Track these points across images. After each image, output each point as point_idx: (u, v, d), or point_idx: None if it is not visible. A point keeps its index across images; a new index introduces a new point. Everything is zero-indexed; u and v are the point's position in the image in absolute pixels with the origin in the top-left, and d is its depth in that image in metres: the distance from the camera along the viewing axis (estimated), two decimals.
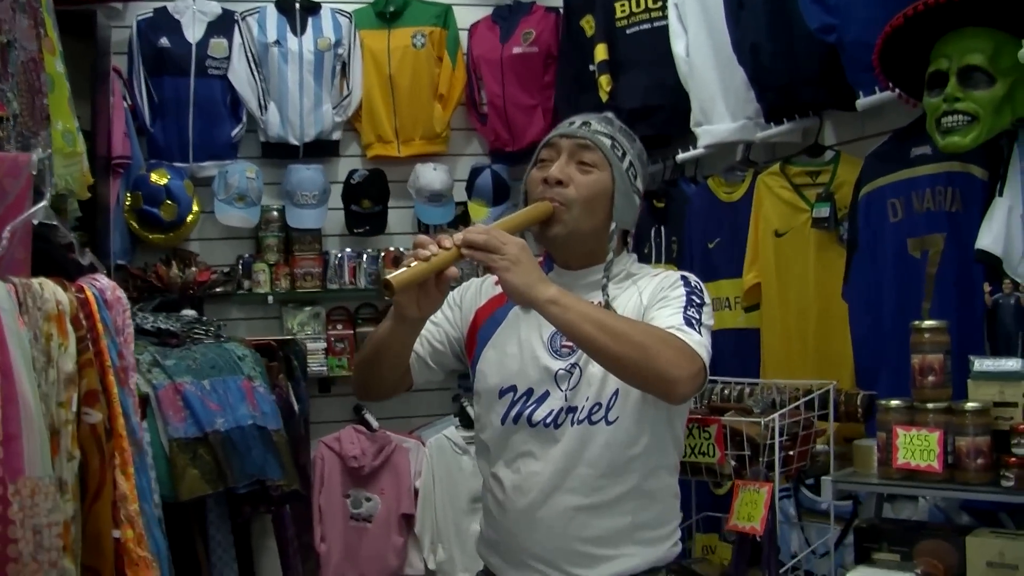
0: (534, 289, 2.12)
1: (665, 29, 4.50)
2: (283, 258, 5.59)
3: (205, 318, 4.71)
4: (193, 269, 5.38)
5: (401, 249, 5.62)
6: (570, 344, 2.34)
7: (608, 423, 2.31)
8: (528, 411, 2.36)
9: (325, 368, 5.55)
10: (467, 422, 5.49)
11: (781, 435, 2.86)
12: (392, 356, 2.39)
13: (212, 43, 5.44)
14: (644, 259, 4.80)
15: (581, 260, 2.44)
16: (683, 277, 2.37)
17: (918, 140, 3.22)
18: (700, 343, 2.20)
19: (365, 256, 5.58)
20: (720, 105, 4.18)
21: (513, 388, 2.40)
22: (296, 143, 5.54)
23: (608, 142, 2.42)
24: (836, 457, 3.04)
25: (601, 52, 4.85)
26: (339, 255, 5.60)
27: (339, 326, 5.71)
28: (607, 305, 2.36)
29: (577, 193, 2.36)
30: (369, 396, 2.55)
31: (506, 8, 5.72)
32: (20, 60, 4.04)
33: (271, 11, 5.55)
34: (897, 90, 3.14)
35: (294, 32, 5.51)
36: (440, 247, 2.11)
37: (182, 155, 5.44)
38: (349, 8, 5.71)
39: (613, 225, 2.39)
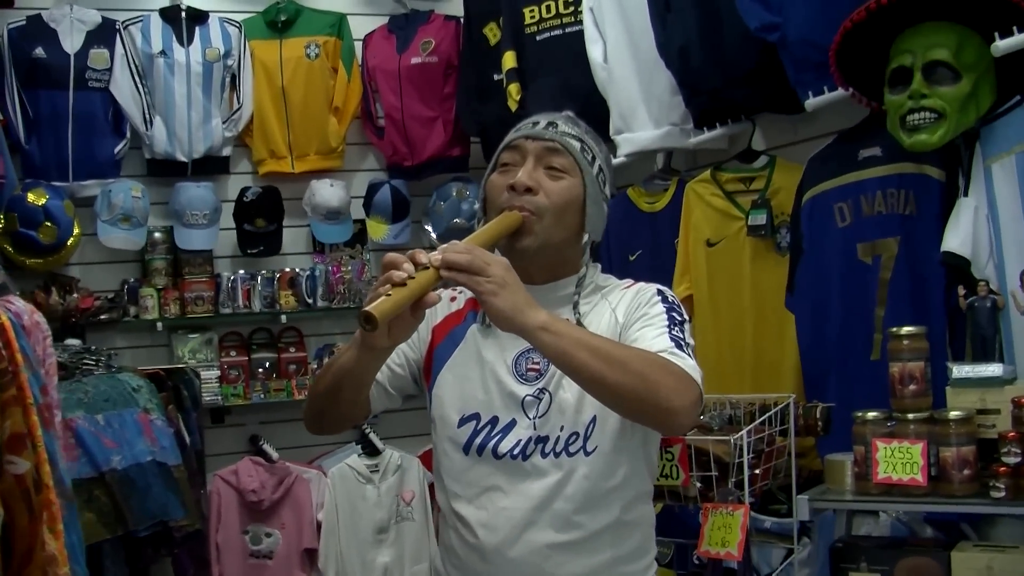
0: (523, 314, 1.93)
1: (577, 35, 4.36)
2: (172, 282, 5.27)
3: (93, 347, 4.38)
4: (75, 296, 5.03)
5: (297, 270, 5.36)
6: (537, 367, 2.17)
7: (587, 454, 2.13)
8: (492, 442, 2.17)
9: (219, 397, 5.21)
10: (370, 449, 5.27)
11: (748, 453, 2.72)
12: (354, 387, 2.17)
13: (92, 53, 5.10)
14: None
15: (546, 273, 2.24)
16: (659, 292, 2.20)
17: (866, 141, 3.13)
18: (694, 368, 2.04)
19: (260, 278, 5.29)
20: (642, 112, 4.04)
21: (475, 416, 2.21)
22: (184, 159, 5.23)
23: (578, 145, 2.24)
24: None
25: (509, 60, 4.69)
26: (232, 277, 5.30)
27: (233, 352, 5.41)
28: (578, 323, 2.18)
29: (549, 201, 2.16)
30: (323, 429, 2.31)
31: (403, 17, 5.50)
32: None
33: (155, 20, 5.24)
34: (851, 89, 3.02)
35: (180, 42, 5.21)
36: (415, 265, 1.90)
37: (61, 174, 5.07)
38: (238, 17, 5.42)
39: (586, 236, 2.22)
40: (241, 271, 5.33)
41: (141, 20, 5.23)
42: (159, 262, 5.25)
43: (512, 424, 2.16)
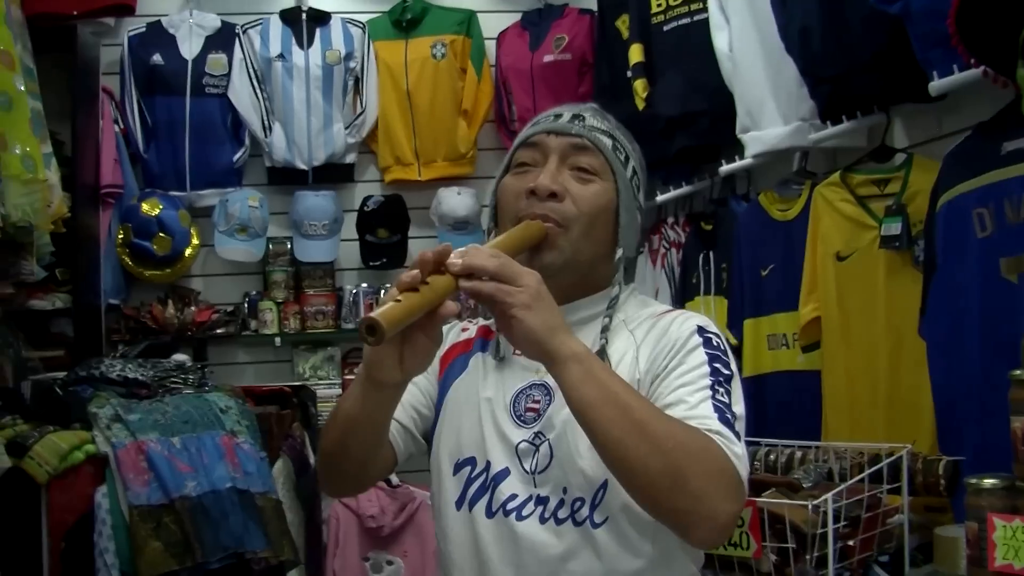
0: (556, 338, 1.56)
1: (707, 23, 3.87)
2: (292, 295, 5.04)
3: (191, 364, 4.14)
4: (192, 308, 4.86)
5: None
6: (536, 407, 1.78)
7: (595, 526, 1.69)
8: (487, 495, 1.77)
9: None
10: None
11: (837, 520, 2.21)
12: (367, 438, 1.78)
13: (210, 59, 4.93)
14: (692, 291, 4.17)
15: (564, 295, 1.81)
16: (700, 330, 1.73)
17: (1011, 132, 2.56)
18: (742, 459, 1.59)
19: (383, 292, 5.00)
20: (770, 106, 3.53)
21: (470, 461, 1.81)
22: (304, 167, 4.99)
23: (609, 142, 1.83)
24: (912, 529, 2.39)
25: (636, 53, 4.24)
26: (354, 291, 5.04)
27: (357, 370, 5.11)
28: (601, 353, 1.75)
29: (577, 209, 1.77)
30: (343, 490, 1.99)
31: (536, 13, 5.13)
32: None
33: (275, 22, 5.03)
34: (982, 65, 2.47)
35: (300, 45, 4.98)
36: (427, 273, 1.52)
37: (178, 182, 4.93)
38: (363, 17, 5.16)
39: (620, 251, 1.81)
40: (364, 284, 5.06)
41: (261, 23, 5.04)
42: (279, 274, 5.03)
43: (505, 473, 1.76)
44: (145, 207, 4.75)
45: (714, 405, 1.62)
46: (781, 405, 3.59)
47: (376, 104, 5.08)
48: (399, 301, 1.48)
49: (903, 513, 2.39)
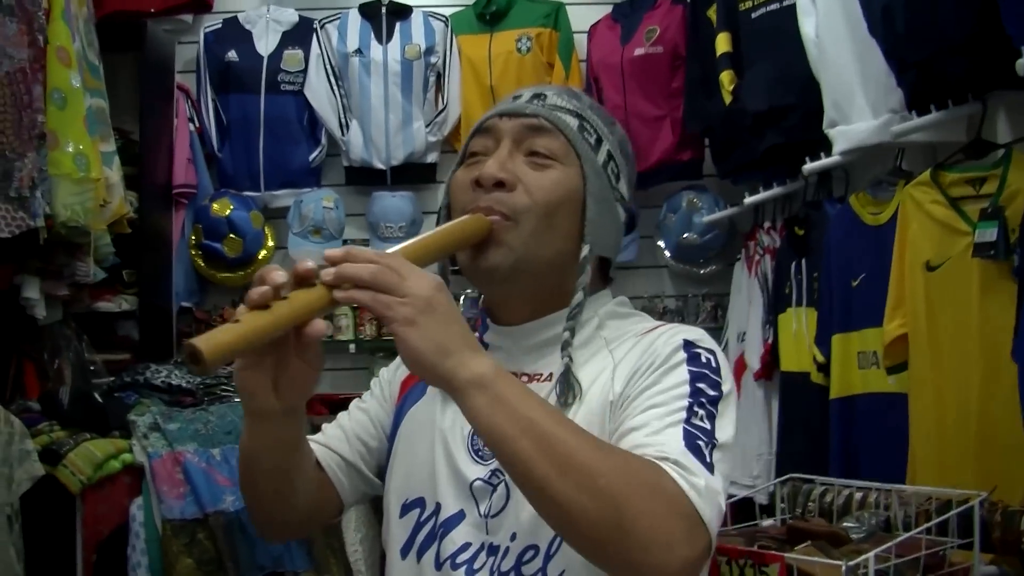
0: (448, 359, 1.28)
1: (795, 9, 3.54)
2: None
3: None
4: None
5: None
6: None
7: None
8: (435, 544, 1.50)
9: None
10: None
11: None
12: (275, 475, 1.54)
13: (286, 55, 4.76)
14: (784, 302, 3.82)
15: (530, 308, 1.56)
16: (687, 345, 1.45)
17: None
18: (710, 494, 1.29)
19: (464, 297, 4.75)
20: (859, 97, 3.18)
21: (419, 503, 1.55)
22: (382, 167, 4.78)
23: (574, 122, 1.56)
24: None
25: (723, 43, 3.94)
26: None
27: None
28: (565, 376, 1.47)
29: (530, 199, 1.50)
30: (276, 534, 1.68)
31: (627, 4, 4.81)
32: (4, 70, 3.40)
33: (354, 16, 4.83)
34: None
35: (379, 39, 4.77)
36: (297, 282, 1.28)
37: (252, 183, 4.77)
38: (446, 11, 4.93)
39: (586, 249, 1.51)
40: None
41: (339, 18, 4.84)
42: None
43: (459, 517, 1.49)
44: (216, 208, 4.60)
45: (685, 431, 1.34)
46: (872, 430, 3.24)
47: (459, 101, 4.84)
48: (236, 323, 1.23)
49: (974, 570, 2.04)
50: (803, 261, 3.76)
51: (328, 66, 4.76)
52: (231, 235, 4.60)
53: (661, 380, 1.41)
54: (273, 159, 4.75)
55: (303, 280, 1.30)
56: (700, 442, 1.33)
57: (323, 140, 4.82)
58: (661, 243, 4.80)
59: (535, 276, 1.52)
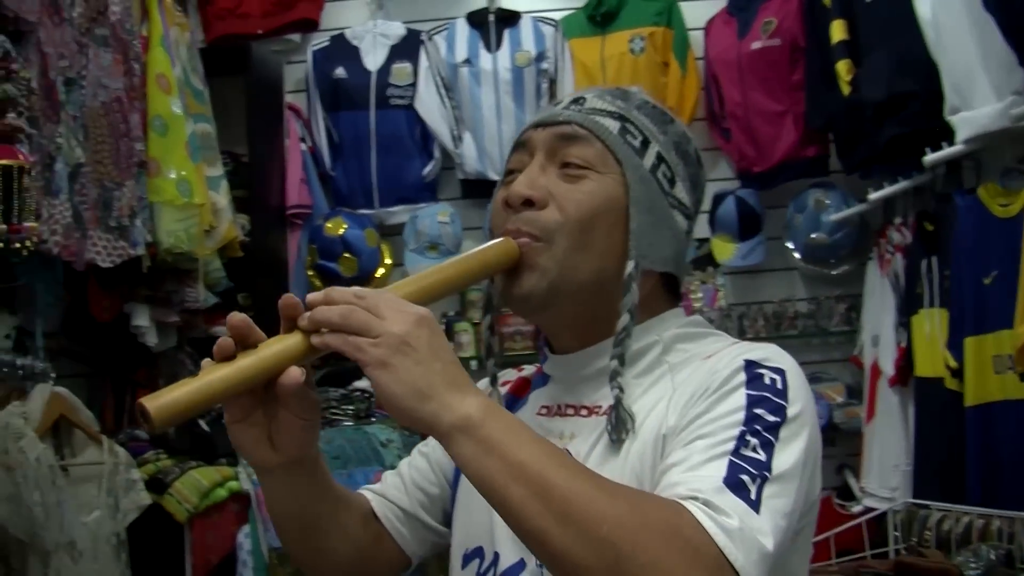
0: (429, 402, 1.17)
1: None
2: None
3: (357, 393, 3.88)
4: None
5: None
6: None
7: None
8: None
9: None
10: None
11: None
12: (296, 529, 1.47)
13: (394, 69, 4.69)
14: (916, 302, 3.58)
15: (580, 334, 1.43)
16: (748, 365, 1.28)
17: None
18: (746, 537, 1.13)
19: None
20: (981, 80, 2.95)
21: (479, 552, 1.43)
22: (497, 178, 4.64)
23: (614, 125, 1.42)
24: None
25: (838, 31, 3.73)
26: None
27: None
28: (615, 410, 1.33)
29: (562, 216, 1.37)
30: None
31: None
32: (99, 100, 3.40)
33: (461, 26, 4.74)
34: None
35: (488, 48, 4.66)
36: (287, 324, 1.22)
37: (367, 200, 4.71)
38: (556, 15, 4.79)
39: (630, 265, 1.36)
40: None
41: (446, 28, 4.75)
42: (475, 294, 4.72)
43: (519, 567, 1.37)
44: (329, 227, 4.55)
45: (730, 463, 1.18)
46: (1012, 441, 2.99)
47: None
48: (196, 378, 1.15)
49: None
50: (934, 259, 3.53)
51: (437, 78, 4.67)
52: (346, 254, 4.54)
53: (714, 407, 1.25)
54: (386, 175, 4.68)
55: (291, 323, 1.21)
56: (746, 476, 1.17)
57: (436, 154, 4.73)
58: (789, 244, 4.57)
59: (576, 300, 1.38)
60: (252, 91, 4.38)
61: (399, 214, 4.71)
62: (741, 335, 4.51)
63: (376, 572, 1.57)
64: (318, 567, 1.52)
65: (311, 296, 1.21)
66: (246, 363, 1.17)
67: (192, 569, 3.33)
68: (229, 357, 1.18)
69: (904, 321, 3.70)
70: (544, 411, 1.46)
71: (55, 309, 3.48)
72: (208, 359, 1.19)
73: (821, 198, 4.42)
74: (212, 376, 1.16)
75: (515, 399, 1.54)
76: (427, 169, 4.72)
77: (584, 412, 1.41)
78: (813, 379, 4.53)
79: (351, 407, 3.74)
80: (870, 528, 2.92)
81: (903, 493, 3.61)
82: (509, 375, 1.61)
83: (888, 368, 3.80)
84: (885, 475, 3.81)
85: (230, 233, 3.99)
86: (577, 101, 1.46)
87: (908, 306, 3.68)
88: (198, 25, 4.68)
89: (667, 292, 1.46)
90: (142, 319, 3.68)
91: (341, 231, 4.54)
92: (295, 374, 1.18)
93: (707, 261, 4.70)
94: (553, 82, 4.70)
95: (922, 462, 3.50)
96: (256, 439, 1.28)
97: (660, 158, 1.42)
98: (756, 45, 4.44)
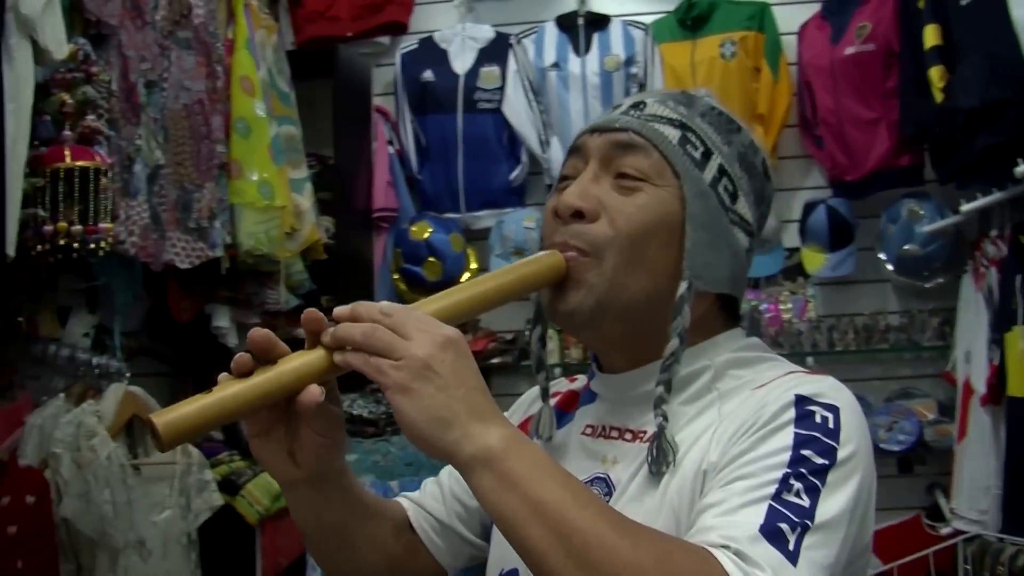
0: (450, 431, 1.13)
1: None
2: None
3: None
4: (468, 337, 4.60)
5: None
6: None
7: None
8: None
9: None
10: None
11: None
12: (323, 541, 1.44)
13: (482, 72, 4.66)
14: (1010, 320, 3.45)
15: (629, 354, 1.38)
16: (799, 401, 1.21)
17: None
18: None
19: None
20: None
21: (514, 574, 1.39)
22: None
23: (674, 134, 1.35)
24: None
25: (931, 36, 3.60)
26: None
27: None
28: (657, 440, 1.27)
29: (612, 230, 1.31)
30: None
31: (836, 1, 4.47)
32: (181, 103, 3.43)
33: (550, 30, 4.69)
34: None
35: (576, 52, 4.61)
36: (312, 339, 1.19)
37: (453, 204, 4.69)
38: (647, 19, 4.72)
39: (683, 286, 1.31)
40: None
41: (535, 32, 4.71)
42: None
43: None
44: (414, 231, 4.55)
45: (770, 509, 1.11)
46: None
47: None
48: (208, 394, 1.13)
49: None
50: None
51: (526, 82, 4.63)
52: (430, 258, 4.53)
53: (758, 446, 1.18)
54: (473, 179, 4.66)
55: (315, 338, 1.18)
56: (785, 525, 1.11)
57: (523, 158, 4.70)
58: (882, 255, 4.44)
59: (625, 319, 1.33)
60: (339, 94, 4.41)
61: (485, 219, 4.69)
62: (831, 348, 4.40)
63: None
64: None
65: (337, 310, 1.19)
66: (261, 380, 1.15)
67: (262, 571, 3.36)
68: (247, 373, 1.16)
69: (997, 338, 3.56)
70: (589, 431, 1.41)
71: (134, 309, 3.53)
72: (225, 373, 1.17)
73: (915, 208, 4.29)
74: (225, 392, 1.14)
75: (562, 414, 1.49)
76: (514, 173, 4.68)
77: (628, 436, 1.35)
78: (904, 395, 4.41)
79: None
80: (944, 556, 2.82)
81: (994, 517, 3.48)
82: (560, 385, 1.56)
83: (980, 386, 3.66)
84: (975, 497, 3.67)
85: (312, 235, 4.01)
86: (637, 106, 1.40)
87: (1001, 322, 3.55)
88: (288, 28, 4.71)
89: (724, 313, 1.40)
90: (223, 320, 3.72)
91: (426, 235, 4.53)
92: (313, 393, 1.15)
93: (797, 271, 4.59)
94: (642, 86, 4.62)
95: (1011, 487, 3.36)
96: (277, 454, 1.26)
97: (722, 171, 1.36)
98: (849, 50, 4.31)
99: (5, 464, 2.60)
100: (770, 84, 4.52)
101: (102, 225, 2.78)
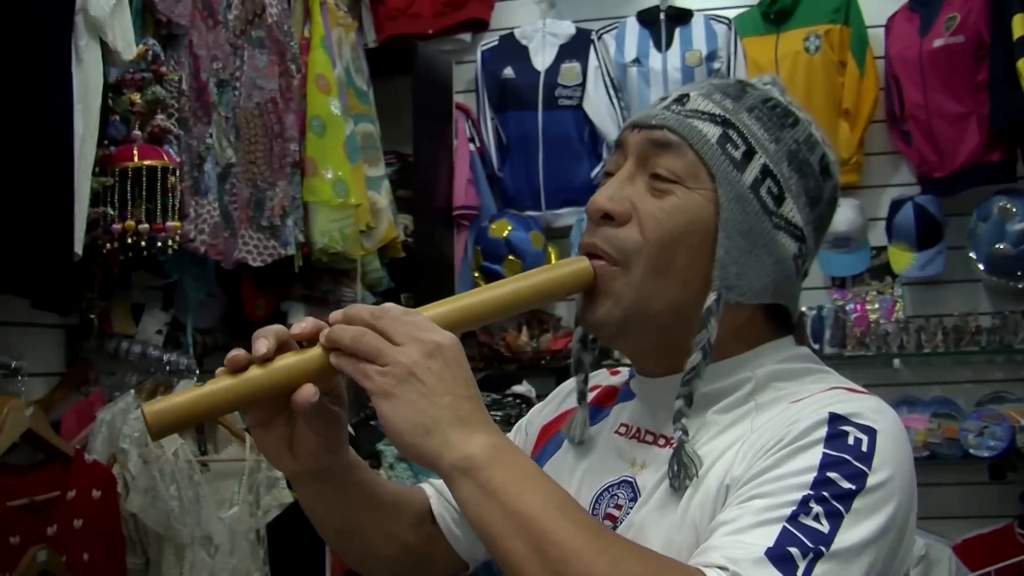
0: (432, 437, 1.11)
1: None
2: None
3: (510, 398, 3.85)
4: (548, 336, 4.57)
5: (803, 310, 4.44)
6: (617, 513, 1.29)
7: None
8: None
9: None
10: None
11: None
12: (334, 532, 1.44)
13: (563, 69, 4.63)
14: None
15: (665, 361, 1.32)
16: (833, 420, 1.15)
17: None
18: None
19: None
20: None
21: None
22: None
23: (714, 132, 1.28)
24: None
25: (1020, 25, 3.49)
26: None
27: None
28: (676, 454, 1.23)
29: (642, 236, 1.26)
30: None
31: None
32: (254, 101, 3.46)
33: (632, 25, 4.64)
34: None
35: (658, 47, 4.55)
36: (297, 340, 1.19)
37: (533, 202, 4.67)
38: (729, 13, 4.64)
39: (711, 297, 1.25)
40: None
41: (616, 27, 4.66)
42: None
43: None
44: (494, 229, 4.54)
45: (783, 531, 1.06)
46: None
47: None
48: (198, 387, 1.15)
49: None
50: None
51: (606, 78, 4.59)
52: (510, 256, 4.51)
53: (784, 463, 1.12)
54: (554, 177, 4.63)
55: (314, 335, 1.19)
56: (796, 549, 1.05)
57: (605, 155, 4.65)
58: (972, 254, 4.30)
59: (654, 330, 1.28)
60: (418, 91, 4.41)
61: (566, 216, 4.65)
62: (918, 350, 4.28)
63: (432, 573, 1.52)
64: (364, 567, 1.50)
65: (332, 314, 1.18)
66: (253, 376, 1.16)
67: (331, 569, 3.36)
68: (242, 368, 1.16)
69: None
70: (623, 430, 1.37)
71: (209, 306, 3.57)
72: (221, 368, 1.18)
73: (1007, 206, 4.14)
74: (216, 387, 1.16)
75: (598, 409, 1.44)
76: (596, 171, 4.64)
77: (662, 442, 1.31)
78: (995, 399, 4.28)
79: (500, 412, 3.72)
80: None
81: None
82: (601, 377, 1.51)
83: None
84: None
85: (390, 233, 4.02)
86: (680, 100, 1.33)
87: None
88: (371, 26, 4.73)
89: (771, 322, 1.33)
90: (298, 318, 3.73)
91: (505, 233, 4.51)
92: (306, 393, 1.15)
93: (885, 271, 4.48)
94: None
95: None
96: (276, 445, 1.25)
97: (766, 171, 1.28)
98: (938, 42, 4.19)
99: (71, 459, 2.63)
100: (856, 78, 4.42)
101: (169, 224, 2.80)
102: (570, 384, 1.50)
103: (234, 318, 3.75)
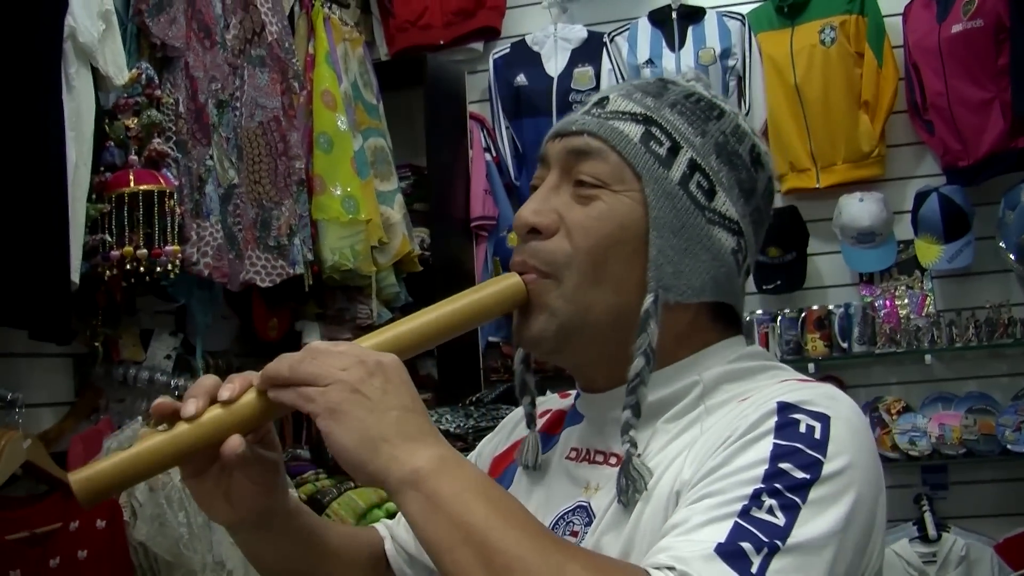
0: (379, 453, 1.05)
1: None
2: None
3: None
4: None
5: (829, 307, 4.36)
6: (574, 540, 1.22)
7: None
8: None
9: None
10: (925, 532, 4.14)
11: None
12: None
13: (576, 73, 4.57)
14: None
15: (606, 373, 1.27)
16: (782, 409, 1.10)
17: None
18: None
19: (780, 318, 4.38)
20: None
21: None
22: None
23: (635, 131, 1.24)
24: None
25: None
26: (747, 317, 4.44)
27: None
28: (624, 468, 1.18)
29: (571, 246, 1.22)
30: None
31: None
32: (256, 120, 3.42)
33: (643, 25, 4.57)
34: None
35: (671, 47, 4.49)
36: (229, 391, 1.13)
37: None
38: (742, 8, 4.57)
39: (648, 300, 1.20)
40: (758, 311, 4.44)
41: (628, 29, 4.60)
42: None
43: None
44: (512, 238, 4.48)
45: (735, 527, 1.01)
46: None
47: (763, 103, 4.46)
48: (123, 450, 1.10)
49: None
50: None
51: (620, 80, 4.53)
52: None
53: (733, 459, 1.08)
54: None
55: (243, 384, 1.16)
56: (749, 544, 0.99)
57: None
58: (1002, 244, 4.19)
59: (594, 341, 1.23)
60: (430, 102, 4.36)
61: None
62: (951, 344, 4.18)
63: None
64: None
65: (267, 366, 1.13)
66: (180, 432, 1.10)
67: None
68: (167, 417, 1.12)
69: None
70: (573, 455, 1.32)
71: (221, 328, 3.54)
72: (145, 427, 1.14)
73: None
74: (142, 447, 1.10)
75: (548, 436, 1.39)
76: None
77: (613, 461, 1.25)
78: None
79: None
80: None
81: None
82: (551, 402, 1.46)
83: None
84: None
85: (404, 248, 3.97)
86: (600, 103, 1.29)
87: None
88: (382, 39, 4.70)
89: (718, 322, 1.28)
90: (313, 337, 3.70)
91: None
92: (232, 445, 1.10)
93: (913, 265, 4.38)
94: (740, 79, 4.48)
95: None
96: (211, 495, 1.21)
97: (694, 165, 1.23)
98: (957, 28, 4.08)
99: None
100: (874, 69, 4.32)
101: (168, 248, 2.77)
102: (519, 413, 1.45)
103: (248, 340, 3.72)
